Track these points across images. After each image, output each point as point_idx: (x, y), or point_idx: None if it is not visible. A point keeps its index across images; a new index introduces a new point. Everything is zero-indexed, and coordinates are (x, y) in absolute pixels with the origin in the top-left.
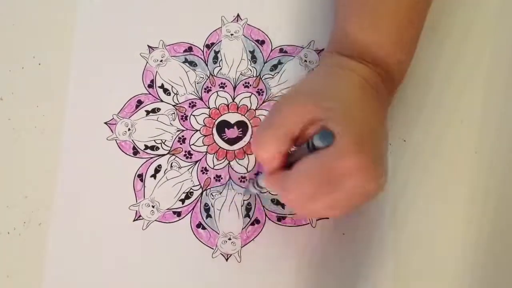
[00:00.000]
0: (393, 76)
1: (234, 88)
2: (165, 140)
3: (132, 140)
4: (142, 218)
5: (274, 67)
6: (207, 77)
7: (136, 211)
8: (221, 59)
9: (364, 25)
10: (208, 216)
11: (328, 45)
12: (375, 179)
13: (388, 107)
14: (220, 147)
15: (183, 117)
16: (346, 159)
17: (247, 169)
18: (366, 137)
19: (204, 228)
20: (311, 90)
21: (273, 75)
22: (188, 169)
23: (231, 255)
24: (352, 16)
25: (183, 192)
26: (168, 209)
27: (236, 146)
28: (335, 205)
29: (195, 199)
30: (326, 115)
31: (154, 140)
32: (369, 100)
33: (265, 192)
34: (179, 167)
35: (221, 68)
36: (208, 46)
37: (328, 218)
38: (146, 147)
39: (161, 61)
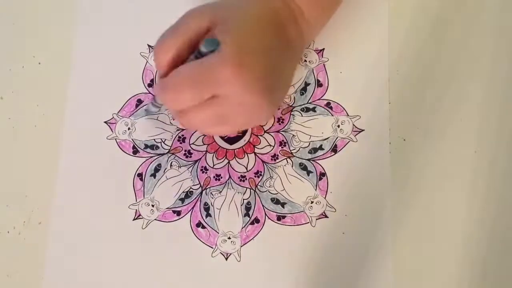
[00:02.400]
0: (305, 23)
1: None
2: (165, 139)
3: (132, 139)
4: (142, 217)
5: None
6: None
7: (136, 210)
8: None
9: None
10: (208, 215)
11: None
12: (259, 95)
13: (299, 50)
14: (220, 146)
15: None
16: (224, 67)
17: (246, 168)
18: (252, 53)
19: (203, 227)
20: (217, 4)
21: None
22: (188, 168)
23: (230, 254)
24: None
25: (183, 191)
26: (167, 208)
27: (235, 145)
28: (216, 117)
29: (195, 198)
30: (219, 25)
31: (154, 139)
32: (272, 32)
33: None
34: (178, 166)
35: None
36: None
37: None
38: (146, 146)
39: None
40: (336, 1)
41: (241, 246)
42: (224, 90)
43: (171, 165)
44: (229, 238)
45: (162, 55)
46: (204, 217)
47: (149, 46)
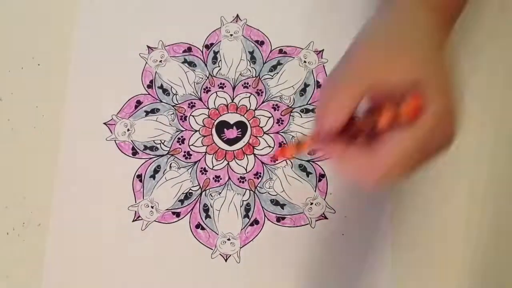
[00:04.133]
0: (451, 18)
1: (234, 88)
2: (164, 141)
3: (131, 141)
4: (141, 219)
5: (274, 67)
6: (206, 78)
7: (135, 211)
8: (221, 60)
9: None
10: (207, 216)
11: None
12: (454, 137)
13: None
14: (219, 147)
15: (182, 118)
16: (441, 130)
17: (246, 169)
18: (453, 101)
19: (203, 228)
20: (401, 44)
21: (272, 76)
22: (187, 170)
23: (230, 255)
24: None
25: (182, 193)
26: (167, 209)
27: (235, 147)
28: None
29: (194, 200)
30: (422, 78)
31: (153, 141)
32: (439, 49)
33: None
34: (178, 168)
35: (220, 69)
36: (208, 47)
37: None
38: (145, 147)
39: (160, 61)
40: None
41: (241, 248)
42: (443, 148)
43: (170, 167)
44: (228, 239)
45: (339, 105)
46: (204, 219)
47: (148, 47)
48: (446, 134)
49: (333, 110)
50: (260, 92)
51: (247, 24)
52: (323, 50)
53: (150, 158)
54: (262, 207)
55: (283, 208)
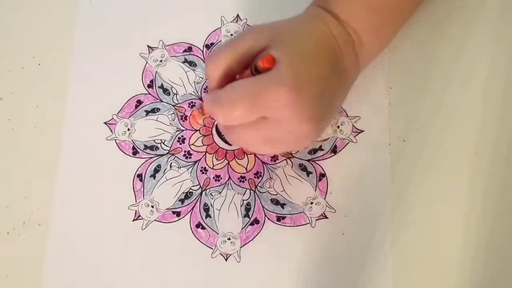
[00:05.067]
0: (362, 51)
1: None
2: (165, 140)
3: (132, 140)
4: (142, 218)
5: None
6: (206, 77)
7: (136, 211)
8: None
9: (346, 6)
10: (208, 216)
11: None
12: (309, 124)
13: (353, 78)
14: (220, 147)
15: (183, 117)
16: (280, 87)
17: (246, 169)
18: (307, 80)
19: (203, 228)
20: (275, 24)
21: None
22: (188, 169)
23: (230, 255)
24: None
25: (183, 192)
26: (167, 209)
27: (235, 146)
28: (264, 138)
29: (195, 199)
30: (277, 46)
31: (154, 140)
32: (327, 62)
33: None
34: (178, 167)
35: None
36: (208, 46)
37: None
38: (146, 147)
39: (160, 61)
40: (393, 31)
41: (241, 247)
42: (277, 113)
43: (170, 166)
44: (229, 239)
45: (215, 66)
46: (204, 218)
47: (148, 46)
48: (286, 106)
49: (210, 77)
50: None
51: (247, 24)
52: None
53: (151, 158)
54: (263, 206)
55: (283, 208)
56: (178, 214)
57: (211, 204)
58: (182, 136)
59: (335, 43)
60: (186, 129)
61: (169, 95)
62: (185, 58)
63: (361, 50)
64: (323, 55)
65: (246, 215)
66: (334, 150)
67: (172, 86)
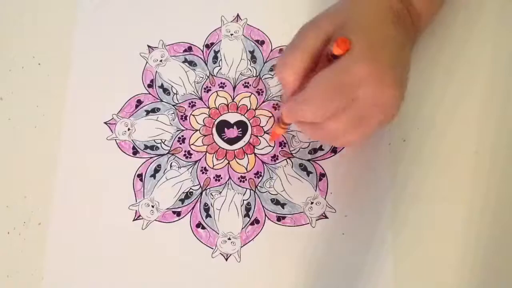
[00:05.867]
0: (419, 17)
1: (234, 88)
2: (165, 140)
3: (132, 140)
4: (142, 218)
5: (274, 67)
6: (206, 77)
7: (136, 210)
8: (221, 59)
9: None
10: (208, 216)
11: None
12: (390, 87)
13: (412, 43)
14: (220, 147)
15: (183, 117)
16: (359, 64)
17: (246, 168)
18: (379, 45)
19: (203, 228)
20: (331, 10)
21: (273, 75)
22: (188, 169)
23: (230, 255)
24: None
25: (183, 192)
26: (167, 208)
27: (235, 146)
28: (354, 122)
29: (195, 199)
30: (342, 27)
31: (154, 140)
32: (390, 22)
33: (287, 127)
34: (178, 167)
35: (220, 68)
36: (208, 46)
37: (348, 146)
38: (146, 147)
39: (160, 61)
40: None
41: (241, 247)
42: (362, 90)
43: (171, 166)
44: (229, 238)
45: (291, 72)
46: (204, 218)
47: (148, 46)
48: (372, 80)
49: (286, 83)
50: (260, 91)
51: (247, 24)
52: None
53: (151, 158)
54: (263, 206)
55: (283, 208)
56: (178, 214)
57: (211, 204)
58: (182, 136)
59: (391, 9)
60: (186, 129)
61: (169, 95)
62: (185, 58)
63: (415, 13)
64: (386, 21)
65: (246, 215)
66: (334, 150)
67: (172, 86)
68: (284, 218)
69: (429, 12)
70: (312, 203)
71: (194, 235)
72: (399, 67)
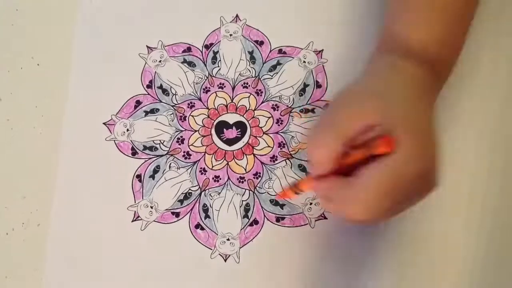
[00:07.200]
0: (439, 73)
1: (233, 88)
2: (164, 141)
3: (131, 141)
4: (141, 219)
5: (273, 67)
6: (206, 78)
7: (135, 211)
8: (220, 60)
9: (411, 23)
10: (207, 216)
11: (377, 44)
12: (431, 185)
13: (434, 103)
14: (219, 147)
15: (182, 118)
16: (411, 166)
17: (245, 169)
18: (428, 143)
19: (202, 228)
20: (369, 93)
21: (272, 76)
22: (187, 170)
23: (229, 255)
24: (399, 15)
25: (182, 193)
26: (166, 209)
27: (235, 147)
28: (396, 212)
29: (194, 200)
30: (387, 122)
31: (153, 141)
32: (421, 100)
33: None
34: (177, 168)
35: (220, 69)
36: (207, 47)
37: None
38: (145, 147)
39: (160, 61)
40: (464, 30)
41: (240, 248)
42: (416, 190)
43: (170, 167)
44: (228, 239)
45: (323, 151)
46: (203, 219)
47: (147, 47)
48: (421, 177)
49: (318, 163)
50: (259, 92)
51: (246, 24)
52: (322, 50)
53: (150, 158)
54: (262, 207)
55: (282, 208)
56: (177, 214)
57: (210, 205)
58: (181, 136)
59: (420, 87)
60: (185, 129)
61: (168, 95)
62: (184, 59)
63: (437, 77)
64: (421, 108)
65: (245, 216)
66: None
67: (171, 87)
68: (283, 218)
69: (455, 54)
70: (311, 203)
71: (193, 236)
72: (436, 147)
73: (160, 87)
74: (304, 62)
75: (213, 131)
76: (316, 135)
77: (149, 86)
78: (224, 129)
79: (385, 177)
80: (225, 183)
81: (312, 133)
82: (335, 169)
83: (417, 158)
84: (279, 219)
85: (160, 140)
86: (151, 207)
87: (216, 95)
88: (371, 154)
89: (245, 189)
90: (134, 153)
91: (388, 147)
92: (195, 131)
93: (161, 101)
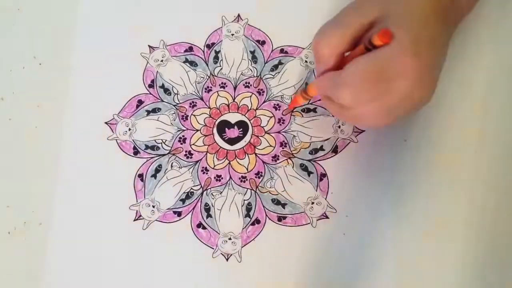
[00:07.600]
0: (462, 11)
1: (235, 88)
2: (166, 140)
3: (133, 140)
4: (143, 218)
5: (275, 67)
6: (207, 77)
7: (137, 211)
8: (222, 59)
9: None
10: (209, 216)
11: None
12: (426, 86)
13: (453, 32)
14: (221, 147)
15: (184, 117)
16: (402, 58)
17: (247, 169)
18: (424, 43)
19: (204, 228)
20: None
21: (273, 75)
22: (189, 169)
23: (231, 255)
24: None
25: (184, 192)
26: (168, 209)
27: (236, 146)
28: (385, 110)
29: (196, 199)
30: (388, 17)
31: (155, 140)
32: (439, 19)
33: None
34: (179, 167)
35: (221, 68)
36: (209, 46)
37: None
38: (147, 147)
39: (161, 61)
40: None
41: (242, 247)
42: (399, 83)
43: (171, 166)
44: (229, 239)
45: (328, 47)
46: (205, 218)
47: (149, 46)
48: (407, 74)
49: (322, 57)
50: (261, 91)
51: (248, 24)
52: None
53: (152, 158)
54: (263, 206)
55: (284, 208)
56: (179, 214)
57: (212, 204)
58: (183, 136)
59: (439, 4)
60: (187, 129)
61: (170, 95)
62: (186, 58)
63: (459, 7)
64: (433, 18)
65: (247, 215)
66: (335, 150)
67: (173, 86)
68: (285, 218)
69: (471, 6)
70: (313, 203)
71: (195, 235)
72: (437, 68)
73: (162, 86)
74: (306, 61)
75: (215, 131)
76: (321, 32)
77: (151, 86)
78: (226, 129)
79: (370, 63)
80: (227, 183)
81: (319, 31)
82: (337, 67)
83: (405, 52)
84: (280, 218)
85: (162, 140)
86: (153, 207)
87: (218, 95)
88: (369, 47)
89: (247, 189)
90: (136, 152)
91: (384, 39)
92: (197, 130)
93: (163, 101)
